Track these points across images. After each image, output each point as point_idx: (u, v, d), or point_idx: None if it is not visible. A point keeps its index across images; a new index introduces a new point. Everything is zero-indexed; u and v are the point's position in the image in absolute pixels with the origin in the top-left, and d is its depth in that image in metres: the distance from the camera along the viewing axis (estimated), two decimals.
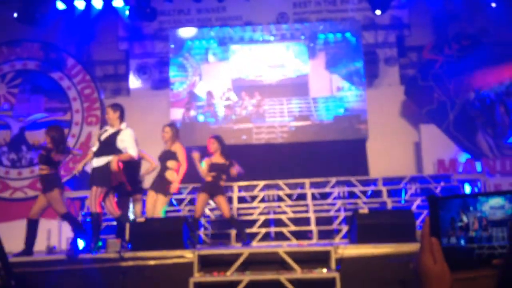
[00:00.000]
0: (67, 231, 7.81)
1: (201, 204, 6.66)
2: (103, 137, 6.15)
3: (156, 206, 6.35)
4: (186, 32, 10.11)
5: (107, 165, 5.92)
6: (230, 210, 6.70)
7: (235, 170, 6.71)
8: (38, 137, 7.26)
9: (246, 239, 6.50)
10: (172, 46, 10.02)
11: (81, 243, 5.80)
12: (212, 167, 6.67)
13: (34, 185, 9.37)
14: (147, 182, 6.95)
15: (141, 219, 6.04)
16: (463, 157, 9.22)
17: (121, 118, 6.17)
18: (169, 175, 6.40)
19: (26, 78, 9.98)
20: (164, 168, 6.44)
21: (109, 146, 6.03)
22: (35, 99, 9.96)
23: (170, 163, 6.42)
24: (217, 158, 6.75)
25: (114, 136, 6.10)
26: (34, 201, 9.45)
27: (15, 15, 9.24)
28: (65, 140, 6.39)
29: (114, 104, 6.38)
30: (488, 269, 1.05)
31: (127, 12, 9.64)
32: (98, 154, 6.08)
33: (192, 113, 9.86)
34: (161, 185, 6.38)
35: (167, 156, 6.46)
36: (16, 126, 9.72)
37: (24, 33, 9.91)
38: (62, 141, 6.24)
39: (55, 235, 7.75)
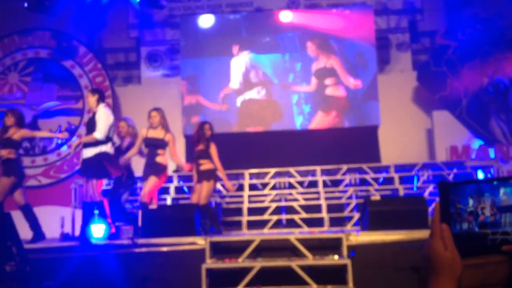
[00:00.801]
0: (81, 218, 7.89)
1: (196, 193, 6.64)
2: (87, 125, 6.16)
3: (145, 186, 6.31)
4: (200, 21, 9.98)
5: (96, 156, 5.90)
6: (207, 198, 6.56)
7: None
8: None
9: (209, 228, 6.41)
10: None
11: (95, 230, 5.85)
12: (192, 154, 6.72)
13: (47, 173, 9.46)
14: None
15: (153, 206, 6.09)
16: (476, 144, 9.13)
17: (99, 101, 6.08)
18: (161, 159, 6.37)
19: (38, 67, 10.03)
20: (154, 155, 6.36)
21: (92, 132, 5.98)
22: (48, 87, 10.00)
23: (160, 151, 6.40)
24: (197, 145, 6.72)
25: (92, 119, 6.06)
26: (48, 188, 9.54)
27: (26, 4, 9.26)
28: (24, 123, 6.57)
29: (93, 88, 6.36)
30: (497, 255, 1.04)
31: None
32: (85, 144, 6.03)
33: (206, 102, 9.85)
34: (153, 169, 6.31)
35: (158, 144, 6.39)
36: (29, 114, 9.77)
37: (35, 22, 9.93)
38: (23, 123, 6.45)
39: (69, 222, 7.83)
